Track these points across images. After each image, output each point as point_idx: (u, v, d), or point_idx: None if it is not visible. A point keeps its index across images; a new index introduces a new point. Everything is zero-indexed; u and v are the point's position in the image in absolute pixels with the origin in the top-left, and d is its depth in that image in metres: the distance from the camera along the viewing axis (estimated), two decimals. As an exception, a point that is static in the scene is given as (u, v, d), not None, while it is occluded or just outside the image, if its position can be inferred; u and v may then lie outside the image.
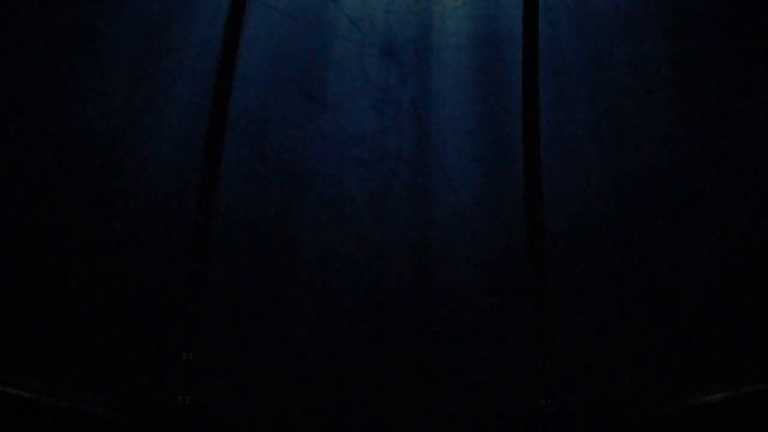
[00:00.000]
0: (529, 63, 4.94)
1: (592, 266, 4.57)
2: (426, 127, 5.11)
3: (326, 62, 5.25)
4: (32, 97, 4.41)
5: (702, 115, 4.60)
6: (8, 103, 4.32)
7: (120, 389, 4.03)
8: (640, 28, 4.96)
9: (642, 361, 4.25)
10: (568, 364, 4.39)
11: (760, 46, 4.48)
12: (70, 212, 4.33)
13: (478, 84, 5.17)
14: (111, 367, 4.10)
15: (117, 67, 4.73)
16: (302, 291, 4.66)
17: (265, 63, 5.15)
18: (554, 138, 4.91)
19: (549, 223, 4.74)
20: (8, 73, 4.35)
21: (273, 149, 4.97)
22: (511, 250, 4.76)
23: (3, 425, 3.52)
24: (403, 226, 4.89)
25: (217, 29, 5.03)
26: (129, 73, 4.77)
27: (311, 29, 5.29)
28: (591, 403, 4.26)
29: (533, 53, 4.93)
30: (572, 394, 4.31)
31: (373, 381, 4.47)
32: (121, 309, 4.25)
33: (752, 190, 4.29)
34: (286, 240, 4.78)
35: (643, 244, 4.50)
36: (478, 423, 4.34)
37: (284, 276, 4.69)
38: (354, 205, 4.92)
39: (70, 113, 4.50)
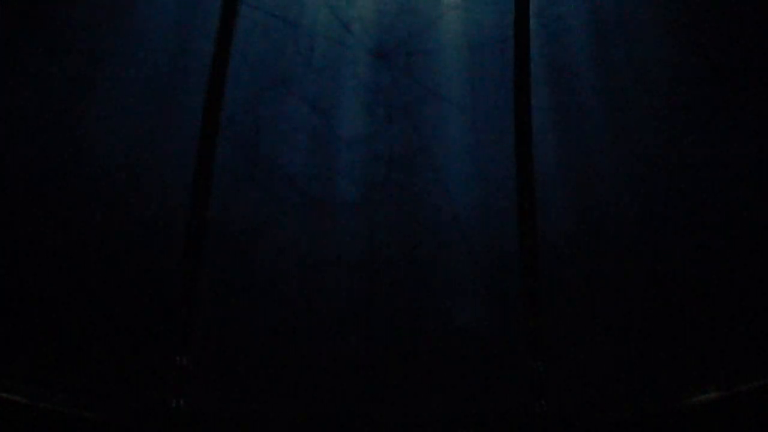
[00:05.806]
0: (521, 65, 4.96)
1: (586, 271, 4.59)
2: (418, 130, 5.11)
3: (317, 64, 5.23)
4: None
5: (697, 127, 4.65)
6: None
7: (115, 393, 3.99)
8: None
9: (636, 362, 4.27)
10: (562, 366, 4.41)
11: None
12: (64, 218, 4.28)
13: (471, 87, 5.18)
14: (106, 371, 4.05)
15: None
16: (295, 293, 4.63)
17: (257, 66, 5.12)
18: (547, 141, 4.94)
19: (542, 227, 4.76)
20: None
21: (264, 152, 4.95)
22: (504, 253, 4.77)
23: (-4, 431, 3.48)
24: (396, 228, 4.88)
25: (209, 32, 5.00)
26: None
27: (302, 32, 5.27)
28: (586, 403, 4.27)
29: (525, 55, 4.95)
30: (567, 395, 4.33)
31: (365, 383, 4.45)
32: (115, 313, 4.20)
33: (748, 192, 4.34)
34: (277, 242, 4.75)
35: (636, 250, 4.53)
36: (473, 424, 4.34)
37: (276, 278, 4.66)
38: (346, 207, 4.90)
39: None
